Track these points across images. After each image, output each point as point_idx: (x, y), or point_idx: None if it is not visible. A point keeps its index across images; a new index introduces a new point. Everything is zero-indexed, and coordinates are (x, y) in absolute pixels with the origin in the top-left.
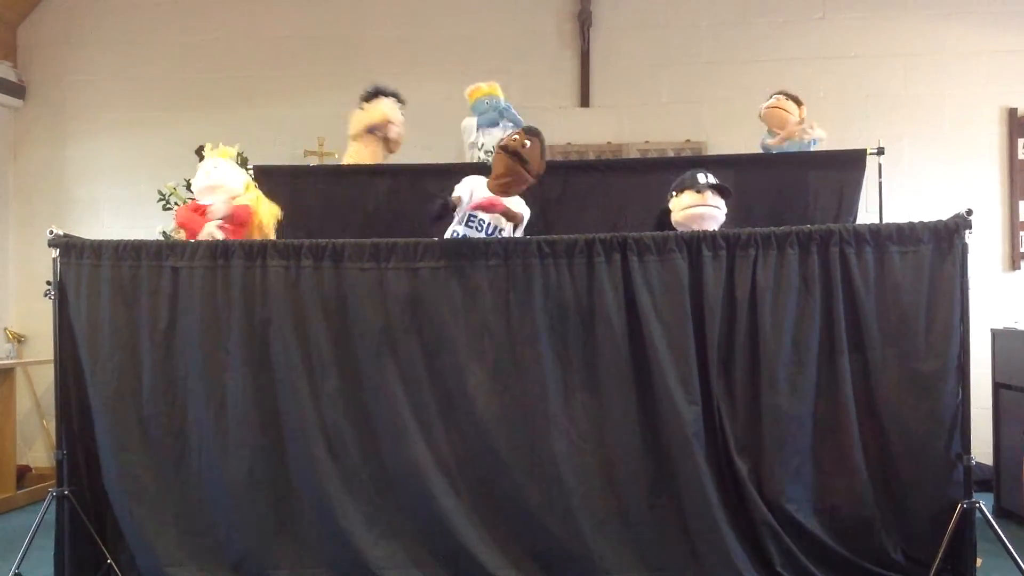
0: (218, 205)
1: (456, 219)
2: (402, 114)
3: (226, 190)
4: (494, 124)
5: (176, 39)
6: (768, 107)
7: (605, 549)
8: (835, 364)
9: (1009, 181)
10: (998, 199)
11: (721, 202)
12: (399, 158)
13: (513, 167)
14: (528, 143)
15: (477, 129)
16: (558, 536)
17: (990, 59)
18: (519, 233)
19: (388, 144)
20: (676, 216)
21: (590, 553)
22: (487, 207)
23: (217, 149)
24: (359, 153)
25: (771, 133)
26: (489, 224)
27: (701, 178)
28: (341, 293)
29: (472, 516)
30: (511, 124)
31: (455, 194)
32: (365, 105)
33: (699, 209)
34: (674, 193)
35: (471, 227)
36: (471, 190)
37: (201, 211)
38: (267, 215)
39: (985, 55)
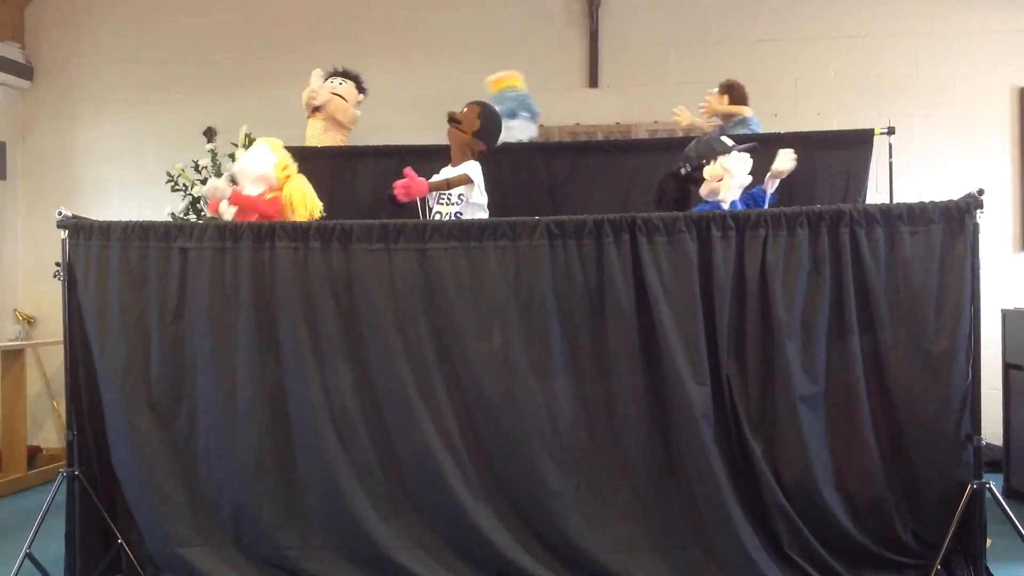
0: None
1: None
2: (355, 80)
3: (247, 174)
4: (512, 115)
5: (184, 20)
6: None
7: (613, 529)
8: (845, 344)
9: (1020, 161)
10: (1009, 179)
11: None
12: (407, 139)
13: (449, 132)
14: (465, 108)
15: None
16: (566, 516)
17: (1001, 39)
18: (475, 192)
19: (336, 122)
20: (714, 185)
21: (597, 534)
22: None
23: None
24: (308, 133)
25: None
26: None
27: (730, 141)
28: (349, 274)
29: (480, 496)
30: (528, 115)
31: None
32: None
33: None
34: (704, 161)
35: (441, 203)
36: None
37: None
38: (299, 206)
39: (996, 34)
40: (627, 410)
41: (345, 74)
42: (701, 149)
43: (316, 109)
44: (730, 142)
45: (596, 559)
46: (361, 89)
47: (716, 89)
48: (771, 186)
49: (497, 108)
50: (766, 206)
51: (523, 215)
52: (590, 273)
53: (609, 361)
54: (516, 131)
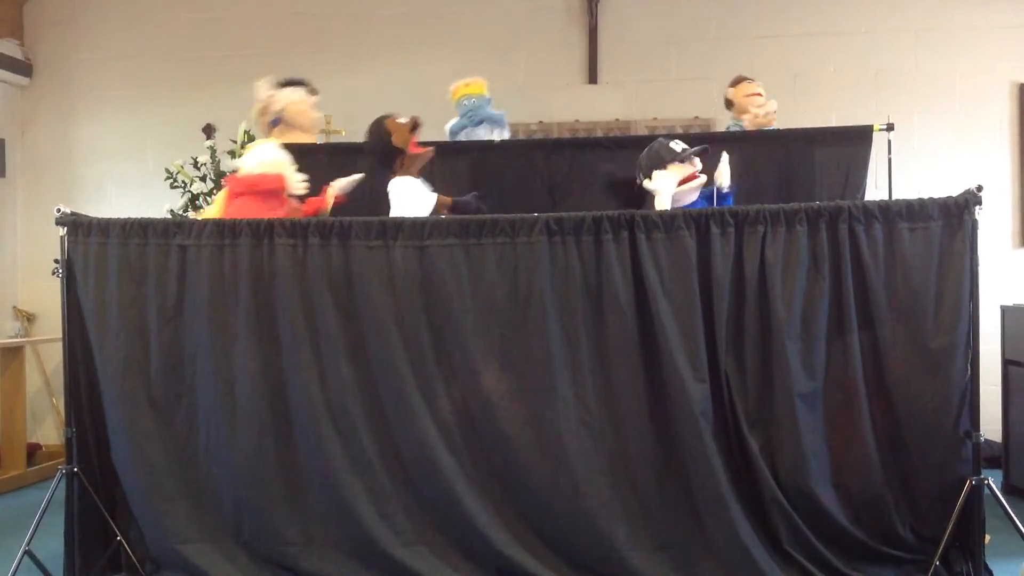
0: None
1: None
2: (303, 85)
3: (285, 169)
4: (477, 123)
5: (183, 17)
6: (747, 95)
7: (612, 526)
8: (844, 341)
9: (1020, 157)
10: (1008, 175)
11: (698, 165)
12: None
13: (416, 149)
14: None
15: (456, 132)
16: (565, 513)
17: (1001, 34)
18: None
19: (294, 123)
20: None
21: (597, 530)
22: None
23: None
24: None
25: (736, 121)
26: None
27: (677, 147)
28: (348, 271)
29: (479, 493)
30: (495, 123)
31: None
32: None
33: (695, 182)
34: (654, 171)
35: None
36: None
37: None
38: None
39: (996, 30)
40: (625, 407)
41: (291, 82)
42: (651, 159)
43: (272, 125)
44: (679, 147)
45: (595, 555)
46: (312, 92)
47: (758, 85)
48: (722, 183)
49: (456, 120)
50: (730, 200)
51: (522, 212)
52: (589, 270)
53: (608, 358)
54: (484, 136)
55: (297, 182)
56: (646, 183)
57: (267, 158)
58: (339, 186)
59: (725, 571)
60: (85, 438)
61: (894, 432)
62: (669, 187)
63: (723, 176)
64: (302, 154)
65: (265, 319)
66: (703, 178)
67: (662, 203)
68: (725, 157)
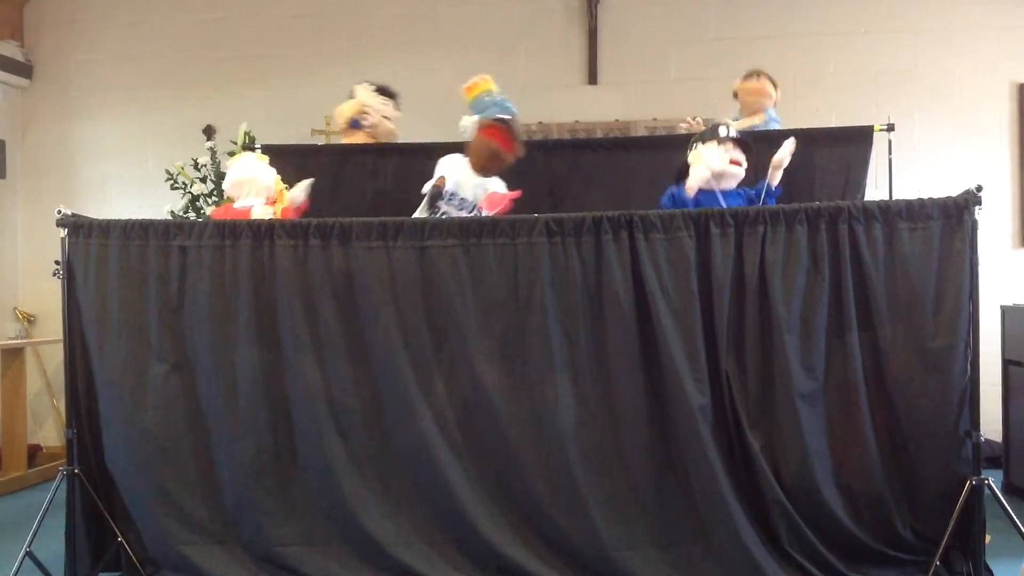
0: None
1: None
2: (394, 98)
3: (256, 184)
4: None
5: (183, 18)
6: (750, 86)
7: (612, 526)
8: (844, 341)
9: (1020, 157)
10: (1008, 175)
11: (742, 156)
12: (407, 136)
13: (500, 153)
14: (509, 131)
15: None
16: (565, 513)
17: (1000, 35)
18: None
19: (376, 135)
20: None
21: (597, 530)
22: (493, 206)
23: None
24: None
25: (741, 112)
26: (469, 202)
27: (723, 130)
28: (349, 272)
29: (479, 494)
30: (507, 116)
31: (438, 175)
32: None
33: (737, 168)
34: (695, 145)
35: (452, 205)
36: (452, 169)
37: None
38: None
39: (995, 30)
40: (626, 407)
41: (386, 92)
42: (699, 136)
43: (355, 126)
44: (724, 131)
45: (595, 556)
46: (398, 107)
47: (757, 79)
48: (775, 178)
49: (478, 114)
50: (773, 200)
51: (522, 212)
52: (589, 270)
53: (608, 358)
54: None
55: (260, 213)
56: (689, 156)
57: (242, 175)
58: (292, 197)
59: (725, 571)
60: (85, 439)
61: (894, 432)
62: (711, 160)
63: (782, 157)
64: (303, 156)
65: (265, 320)
66: (743, 168)
67: (696, 174)
68: (789, 144)
